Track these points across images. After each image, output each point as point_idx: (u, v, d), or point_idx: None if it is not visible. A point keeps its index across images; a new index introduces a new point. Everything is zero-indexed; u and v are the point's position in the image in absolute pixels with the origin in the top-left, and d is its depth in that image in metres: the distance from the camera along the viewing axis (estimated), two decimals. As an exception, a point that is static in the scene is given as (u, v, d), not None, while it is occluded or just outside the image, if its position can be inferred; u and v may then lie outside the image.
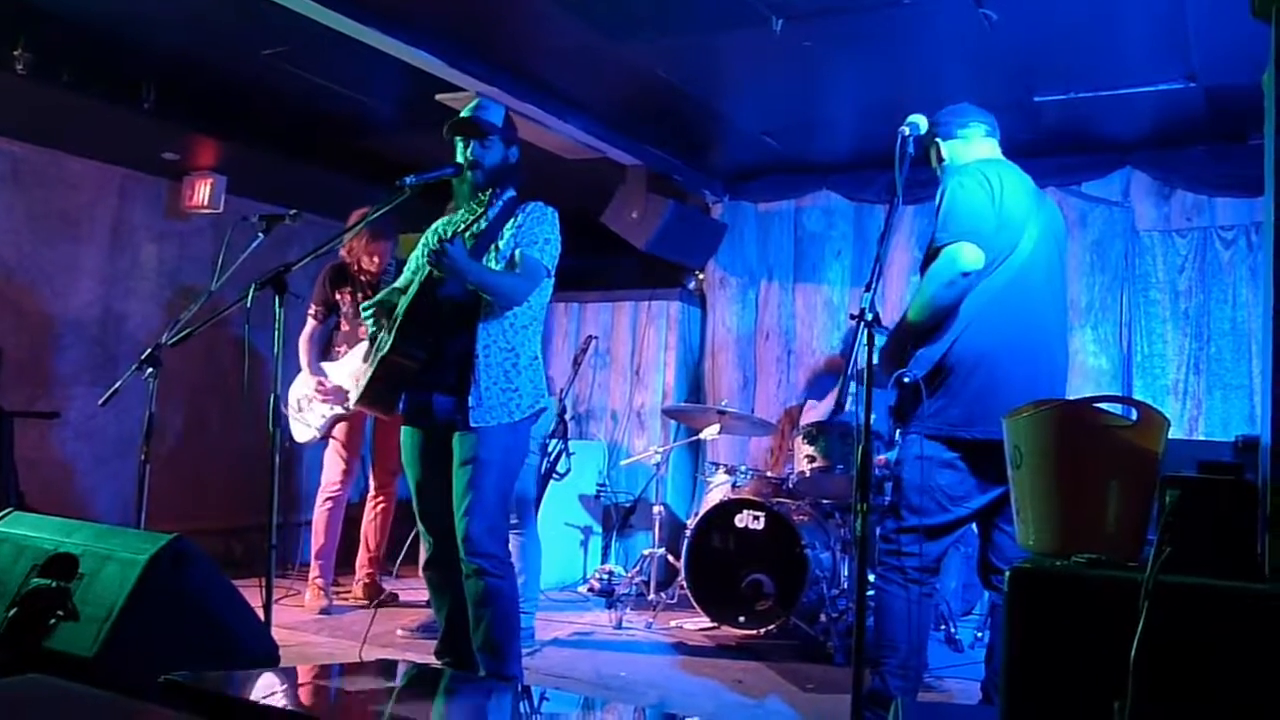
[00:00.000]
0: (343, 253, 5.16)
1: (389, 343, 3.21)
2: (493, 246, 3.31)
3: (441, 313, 3.26)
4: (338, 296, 5.16)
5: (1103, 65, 4.47)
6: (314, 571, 5.14)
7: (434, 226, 3.58)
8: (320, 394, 5.08)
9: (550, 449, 5.05)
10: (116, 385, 3.59)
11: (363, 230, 4.75)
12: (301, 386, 5.19)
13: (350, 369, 5.02)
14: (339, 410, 5.06)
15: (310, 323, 5.21)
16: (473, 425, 3.21)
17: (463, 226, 3.39)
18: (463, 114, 3.40)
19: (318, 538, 5.15)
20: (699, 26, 4.24)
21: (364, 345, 4.85)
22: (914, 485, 3.24)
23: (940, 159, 3.47)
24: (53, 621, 2.75)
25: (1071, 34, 4.14)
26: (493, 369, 3.25)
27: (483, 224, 3.36)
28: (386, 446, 5.24)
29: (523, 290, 3.27)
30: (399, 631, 4.64)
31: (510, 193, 3.43)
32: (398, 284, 3.55)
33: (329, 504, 5.16)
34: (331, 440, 5.18)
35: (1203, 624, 1.68)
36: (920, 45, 4.31)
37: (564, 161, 5.74)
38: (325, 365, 5.18)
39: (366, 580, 5.35)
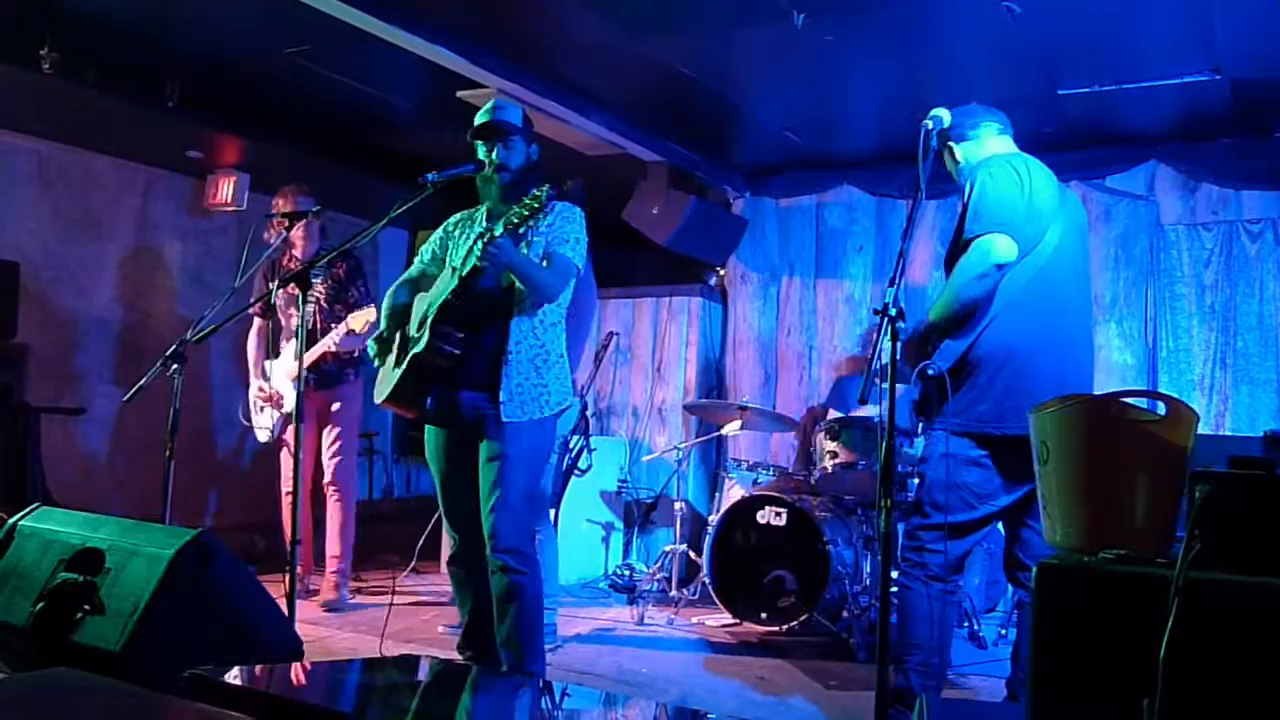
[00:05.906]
0: (291, 248, 4.93)
1: (423, 340, 3.22)
2: (523, 244, 3.32)
3: (474, 310, 3.27)
4: (270, 287, 4.79)
5: (1127, 58, 4.43)
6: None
7: (452, 220, 3.59)
8: (262, 398, 5.02)
9: (572, 445, 5.05)
10: (142, 382, 3.59)
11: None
12: (255, 390, 5.12)
13: (287, 366, 4.94)
14: (287, 410, 4.94)
15: (257, 321, 5.10)
16: (504, 420, 3.24)
17: (486, 224, 3.40)
18: (481, 116, 3.41)
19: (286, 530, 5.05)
20: (720, 22, 4.24)
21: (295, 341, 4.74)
22: (939, 482, 3.19)
23: (956, 161, 3.43)
24: (80, 616, 2.78)
25: (1095, 26, 4.10)
26: (524, 365, 3.28)
27: (512, 221, 3.35)
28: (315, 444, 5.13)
29: (558, 287, 3.31)
30: (440, 629, 4.62)
31: (532, 190, 3.44)
32: (408, 275, 3.56)
33: (289, 497, 4.98)
34: (282, 440, 5.06)
35: (1233, 621, 1.66)
36: (942, 39, 4.28)
37: (585, 158, 5.74)
38: (271, 364, 5.06)
39: (334, 577, 5.13)
